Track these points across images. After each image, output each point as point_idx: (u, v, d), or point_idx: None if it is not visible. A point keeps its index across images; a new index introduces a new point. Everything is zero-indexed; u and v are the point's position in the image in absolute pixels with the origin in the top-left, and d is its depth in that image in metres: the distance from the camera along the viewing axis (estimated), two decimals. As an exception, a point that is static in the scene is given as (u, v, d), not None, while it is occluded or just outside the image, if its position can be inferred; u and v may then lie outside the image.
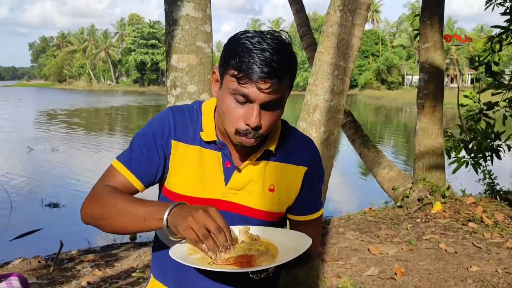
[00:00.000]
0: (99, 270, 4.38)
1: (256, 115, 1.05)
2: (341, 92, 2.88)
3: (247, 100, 1.05)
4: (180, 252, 1.07)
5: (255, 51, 1.01)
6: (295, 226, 1.34)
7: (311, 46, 6.27)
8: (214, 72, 1.14)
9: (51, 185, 10.31)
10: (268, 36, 1.05)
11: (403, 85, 62.92)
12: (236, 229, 1.15)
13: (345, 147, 14.47)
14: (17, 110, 34.13)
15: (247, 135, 1.09)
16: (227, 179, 1.20)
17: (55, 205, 8.42)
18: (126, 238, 6.14)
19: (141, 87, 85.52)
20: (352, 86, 63.04)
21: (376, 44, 68.88)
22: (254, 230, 1.16)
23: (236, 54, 1.03)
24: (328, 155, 2.89)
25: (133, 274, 4.14)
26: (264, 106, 1.06)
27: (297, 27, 6.60)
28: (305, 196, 1.27)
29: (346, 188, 10.46)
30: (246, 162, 1.20)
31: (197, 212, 1.00)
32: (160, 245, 1.28)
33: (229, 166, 1.20)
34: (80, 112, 33.40)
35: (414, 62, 60.08)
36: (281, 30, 1.12)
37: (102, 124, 26.77)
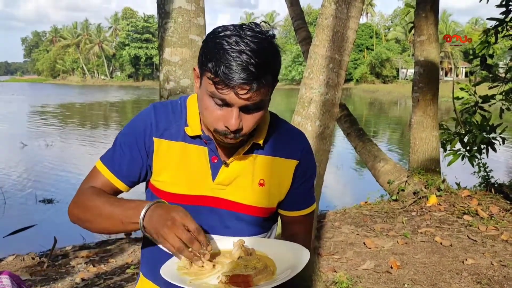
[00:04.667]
0: (94, 266, 4.35)
1: (235, 119, 1.02)
2: (336, 85, 2.85)
3: (225, 104, 1.02)
4: (172, 272, 1.04)
5: (232, 54, 0.96)
6: (286, 223, 1.31)
7: (306, 40, 6.22)
8: (194, 69, 1.11)
9: (45, 181, 10.24)
10: (248, 33, 0.99)
11: (398, 78, 63.00)
12: (230, 242, 1.12)
13: (341, 141, 14.48)
14: (10, 105, 33.87)
15: (226, 135, 1.06)
16: (214, 174, 1.16)
17: (49, 201, 8.37)
18: (121, 234, 6.11)
19: (136, 82, 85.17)
20: (347, 80, 63.02)
21: (371, 37, 68.81)
22: (248, 242, 1.13)
23: (213, 57, 0.98)
24: (323, 149, 2.87)
25: (128, 270, 4.12)
26: (244, 109, 1.03)
27: (291, 20, 6.55)
28: (296, 190, 1.24)
29: (341, 182, 10.46)
30: (234, 156, 1.16)
31: (166, 227, 0.99)
32: (148, 243, 1.25)
33: (216, 161, 1.17)
34: (75, 107, 33.22)
35: (408, 56, 60.15)
36: (262, 22, 1.07)
37: (97, 119, 26.63)
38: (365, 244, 4.40)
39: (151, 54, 79.86)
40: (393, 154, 12.84)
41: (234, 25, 1.03)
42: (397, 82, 60.96)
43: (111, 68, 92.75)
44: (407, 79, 58.76)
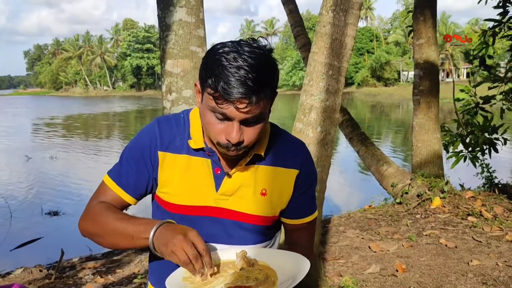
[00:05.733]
0: (101, 277, 4.38)
1: (236, 132, 1.06)
2: (336, 91, 2.89)
3: (226, 118, 1.06)
4: (176, 282, 1.08)
5: (230, 70, 1.00)
6: (289, 230, 1.34)
7: (306, 46, 6.27)
8: (196, 85, 1.15)
9: (50, 193, 10.30)
10: (246, 49, 1.03)
11: (399, 81, 63.07)
12: (233, 252, 1.15)
13: (344, 146, 14.50)
14: (14, 119, 34.06)
15: (228, 148, 1.10)
16: (217, 185, 1.20)
17: (55, 213, 8.41)
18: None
19: (138, 92, 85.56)
20: (349, 83, 63.22)
21: (371, 41, 68.98)
22: (250, 252, 1.16)
23: (212, 73, 1.02)
24: (325, 155, 2.90)
25: (135, 280, 4.15)
26: (244, 122, 1.07)
27: (291, 27, 6.61)
28: (298, 199, 1.27)
29: (345, 186, 10.46)
30: (236, 167, 1.20)
31: (177, 238, 1.04)
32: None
33: (219, 172, 1.20)
34: (77, 119, 33.37)
35: (409, 58, 60.21)
36: (259, 37, 1.10)
37: (100, 130, 26.72)
38: (370, 248, 4.41)
39: (152, 64, 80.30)
40: (396, 158, 12.84)
41: (232, 42, 1.07)
42: (399, 84, 61.03)
43: (113, 79, 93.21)
44: (408, 81, 58.82)
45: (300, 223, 1.31)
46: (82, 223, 1.24)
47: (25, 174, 12.47)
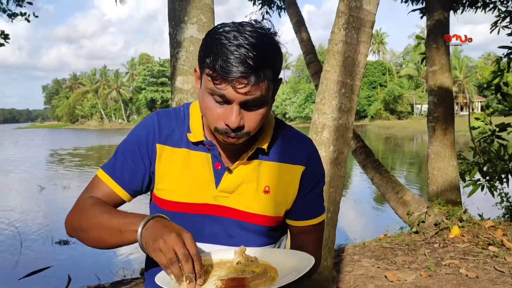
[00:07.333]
0: (108, 305, 4.26)
1: (235, 116, 0.98)
2: (349, 110, 2.83)
3: (225, 100, 0.98)
4: (167, 279, 0.98)
5: (230, 48, 0.94)
6: (295, 233, 1.25)
7: (318, 73, 6.27)
8: (196, 70, 1.08)
9: (61, 222, 10.22)
10: (248, 28, 0.97)
11: (413, 114, 62.98)
12: (232, 251, 1.07)
13: (358, 176, 14.32)
14: (29, 150, 34.58)
15: (227, 133, 1.02)
16: (217, 181, 1.12)
17: (65, 243, 8.36)
18: (136, 274, 6.02)
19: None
20: (362, 116, 63.27)
21: (384, 74, 69.37)
22: (251, 251, 1.08)
23: (211, 52, 0.96)
24: (338, 174, 2.81)
25: (142, 307, 4.01)
26: (244, 106, 0.99)
27: (303, 55, 6.65)
28: (304, 198, 1.18)
29: (360, 216, 10.25)
30: (237, 162, 1.12)
31: (169, 235, 0.92)
32: (152, 260, 1.20)
33: (219, 167, 1.12)
34: (92, 150, 33.74)
35: (422, 91, 60.29)
36: (263, 19, 1.04)
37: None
38: (386, 277, 4.23)
39: (167, 97, 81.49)
40: (411, 188, 12.60)
41: (234, 22, 1.01)
42: (412, 117, 60.91)
43: (127, 112, 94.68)
44: (422, 114, 58.69)
45: (307, 225, 1.21)
46: (68, 218, 1.16)
47: (37, 204, 12.52)
